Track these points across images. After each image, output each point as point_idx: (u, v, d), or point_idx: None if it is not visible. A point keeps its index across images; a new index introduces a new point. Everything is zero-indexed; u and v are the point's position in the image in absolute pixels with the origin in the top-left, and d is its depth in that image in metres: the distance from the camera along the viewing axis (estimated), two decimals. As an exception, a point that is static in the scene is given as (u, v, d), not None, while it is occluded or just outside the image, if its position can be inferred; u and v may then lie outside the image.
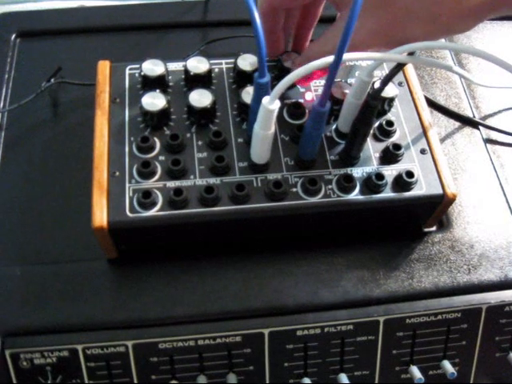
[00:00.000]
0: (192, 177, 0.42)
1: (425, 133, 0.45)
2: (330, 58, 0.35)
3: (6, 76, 0.54)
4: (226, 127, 0.44)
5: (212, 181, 0.42)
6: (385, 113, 0.46)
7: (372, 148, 0.44)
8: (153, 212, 0.40)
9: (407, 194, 0.42)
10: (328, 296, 0.43)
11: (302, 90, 0.47)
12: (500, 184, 0.50)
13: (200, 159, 0.43)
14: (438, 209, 0.44)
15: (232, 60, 0.47)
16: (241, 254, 0.44)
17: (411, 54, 0.38)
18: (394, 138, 0.45)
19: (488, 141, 0.53)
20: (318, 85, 0.47)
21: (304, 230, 0.45)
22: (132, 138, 0.43)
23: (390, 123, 0.45)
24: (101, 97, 0.45)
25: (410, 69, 0.48)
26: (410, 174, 0.42)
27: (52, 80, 0.53)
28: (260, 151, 0.41)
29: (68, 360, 0.41)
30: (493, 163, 0.51)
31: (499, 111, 0.55)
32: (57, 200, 0.47)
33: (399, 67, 0.38)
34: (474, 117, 0.54)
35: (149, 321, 0.42)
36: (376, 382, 0.45)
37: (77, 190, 0.47)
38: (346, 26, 0.33)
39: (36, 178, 0.48)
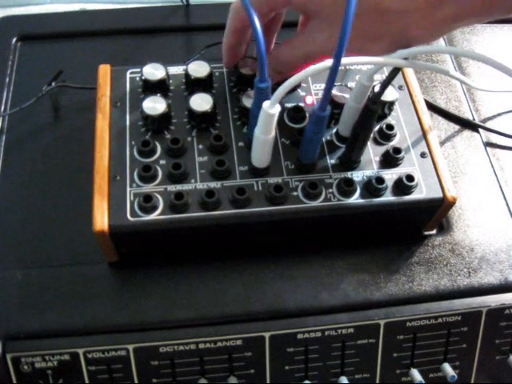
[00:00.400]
0: (193, 181, 0.42)
1: (425, 136, 0.45)
2: (330, 62, 0.35)
3: (7, 79, 0.54)
4: (227, 131, 0.44)
5: (213, 185, 0.42)
6: (385, 116, 0.46)
7: (372, 152, 0.44)
8: (154, 216, 0.40)
9: (407, 198, 0.42)
10: (328, 299, 0.43)
11: (302, 93, 0.47)
12: (500, 187, 0.50)
13: (201, 163, 0.43)
14: (438, 212, 0.44)
15: (233, 64, 0.47)
16: (241, 258, 0.44)
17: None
18: (394, 142, 0.45)
19: (488, 144, 0.53)
20: (319, 88, 0.47)
21: (304, 233, 0.45)
22: (133, 142, 0.43)
23: (390, 127, 0.45)
24: (102, 101, 0.45)
25: (410, 72, 0.48)
26: (410, 178, 0.42)
27: (53, 84, 0.53)
28: (260, 155, 0.41)
29: (69, 364, 0.41)
30: (493, 166, 0.51)
31: (499, 114, 0.55)
32: (57, 204, 0.47)
33: (396, 71, 0.38)
34: (474, 120, 0.54)
35: (150, 324, 0.42)
36: (376, 384, 0.45)
37: (77, 194, 0.47)
38: (341, 33, 0.33)
39: (37, 181, 0.48)
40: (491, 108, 0.55)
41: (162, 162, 0.42)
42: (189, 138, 0.44)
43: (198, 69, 0.45)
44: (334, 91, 0.45)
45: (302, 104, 0.45)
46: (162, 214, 0.40)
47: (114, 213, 0.40)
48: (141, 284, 0.43)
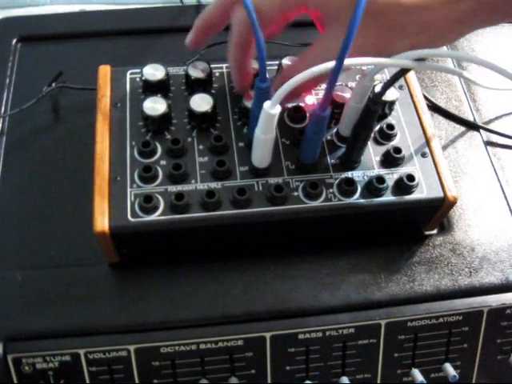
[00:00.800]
0: (193, 181, 0.42)
1: (425, 136, 0.45)
2: (332, 63, 0.35)
3: (7, 80, 0.54)
4: (227, 131, 0.44)
5: (213, 185, 0.42)
6: (385, 116, 0.46)
7: (373, 151, 0.44)
8: (154, 216, 0.40)
9: (408, 198, 0.42)
10: (329, 299, 0.43)
11: (302, 93, 0.47)
12: (501, 187, 0.50)
13: (201, 163, 0.43)
14: (438, 212, 0.44)
15: (232, 64, 0.47)
16: (242, 258, 0.44)
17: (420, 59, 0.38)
18: (395, 142, 0.45)
19: (488, 143, 0.53)
20: (319, 89, 0.47)
21: (305, 233, 0.45)
22: (133, 143, 0.43)
23: (390, 127, 0.45)
24: (102, 101, 0.45)
25: (410, 72, 0.48)
26: (410, 178, 0.42)
27: (53, 84, 0.53)
28: (261, 155, 0.41)
29: (70, 364, 0.41)
30: (493, 166, 0.51)
31: (500, 114, 0.55)
32: (58, 205, 0.47)
33: (402, 73, 0.38)
34: (475, 120, 0.54)
35: (151, 325, 0.42)
36: (378, 385, 0.45)
37: (78, 195, 0.47)
38: (347, 33, 0.33)
39: (37, 182, 0.48)
40: (492, 108, 0.55)
41: (163, 162, 0.42)
42: (189, 139, 0.44)
43: (198, 69, 0.45)
44: (335, 91, 0.45)
45: (302, 104, 0.45)
46: (162, 214, 0.40)
47: (115, 213, 0.40)
48: (141, 285, 0.43)
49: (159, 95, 0.44)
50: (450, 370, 0.45)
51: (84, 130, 0.50)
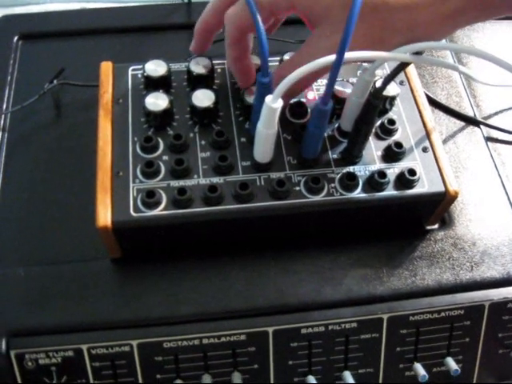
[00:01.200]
0: (195, 176, 0.42)
1: (426, 131, 0.45)
2: (333, 57, 0.35)
3: (9, 78, 0.54)
4: (229, 127, 0.44)
5: (215, 180, 0.42)
6: (386, 111, 0.46)
7: (374, 146, 0.44)
8: (157, 211, 0.40)
9: (409, 192, 0.43)
10: (332, 294, 0.43)
11: (303, 89, 0.47)
12: (501, 182, 0.50)
13: (203, 159, 0.43)
14: (440, 206, 0.44)
15: (234, 60, 0.47)
16: (244, 253, 0.44)
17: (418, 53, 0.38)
18: (396, 137, 0.45)
19: (489, 139, 0.53)
20: (320, 85, 0.47)
21: (307, 228, 0.45)
22: (135, 138, 0.43)
23: (391, 122, 0.45)
24: (104, 97, 0.45)
25: (411, 68, 0.49)
26: (412, 172, 0.42)
27: (55, 81, 0.53)
28: (263, 150, 0.41)
29: (73, 360, 0.41)
30: (494, 161, 0.51)
31: (500, 110, 0.55)
32: (60, 201, 0.47)
33: (402, 67, 0.38)
34: (475, 115, 0.54)
35: (153, 320, 0.42)
36: (380, 379, 0.45)
37: (80, 191, 0.47)
38: (346, 28, 0.33)
39: (39, 178, 0.48)
40: (492, 103, 0.56)
41: (165, 157, 0.43)
42: (191, 134, 0.44)
43: (200, 65, 0.46)
44: (336, 86, 0.45)
45: (303, 99, 0.46)
46: (165, 209, 0.40)
47: (117, 208, 0.40)
48: (144, 280, 0.43)
49: (161, 91, 0.44)
50: (451, 364, 0.45)
51: (85, 127, 0.50)
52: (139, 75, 0.46)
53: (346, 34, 0.34)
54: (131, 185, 0.41)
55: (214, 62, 0.46)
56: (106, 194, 0.41)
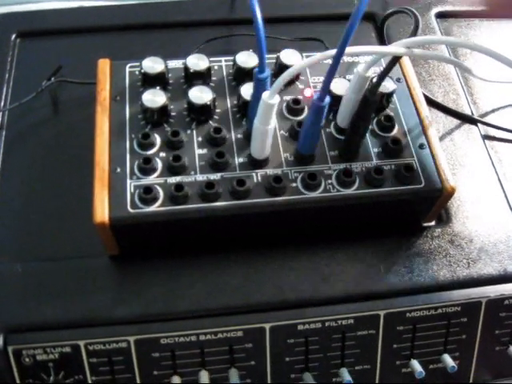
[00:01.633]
0: (192, 173, 0.42)
1: (423, 128, 0.45)
2: (332, 52, 0.35)
3: (7, 75, 0.54)
4: (226, 123, 0.44)
5: (212, 176, 0.42)
6: (383, 108, 0.46)
7: (371, 143, 0.45)
8: (154, 208, 0.40)
9: (406, 188, 0.43)
10: (328, 290, 0.43)
11: (301, 86, 0.47)
12: (498, 179, 0.50)
13: (200, 155, 0.43)
14: (437, 203, 0.44)
15: (231, 57, 0.47)
16: (241, 249, 0.44)
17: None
18: (393, 133, 0.45)
19: (486, 137, 0.53)
20: (317, 81, 0.47)
21: (304, 224, 0.45)
22: (133, 135, 0.43)
23: (388, 118, 0.45)
24: (101, 95, 0.45)
25: (407, 65, 0.49)
26: (408, 169, 0.42)
27: (52, 79, 0.53)
28: (260, 146, 0.41)
29: (70, 356, 0.41)
30: (491, 158, 0.52)
31: (497, 107, 0.55)
32: (58, 197, 0.47)
33: (394, 61, 0.38)
34: (472, 113, 0.54)
35: (150, 316, 0.42)
36: (377, 376, 0.45)
37: (78, 187, 0.47)
38: (350, 21, 0.33)
39: (37, 175, 0.48)
40: (489, 101, 0.56)
41: (162, 154, 0.43)
42: (188, 131, 0.44)
43: (197, 62, 0.46)
44: (334, 83, 0.45)
45: (300, 97, 0.46)
46: (162, 205, 0.40)
47: (115, 205, 0.40)
48: (141, 276, 0.43)
49: (158, 88, 0.44)
50: (448, 360, 0.45)
51: (83, 124, 0.50)
52: (137, 72, 0.46)
53: (349, 31, 0.34)
54: (128, 181, 0.41)
55: (211, 58, 0.46)
56: (103, 191, 0.41)
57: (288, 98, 0.46)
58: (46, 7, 0.61)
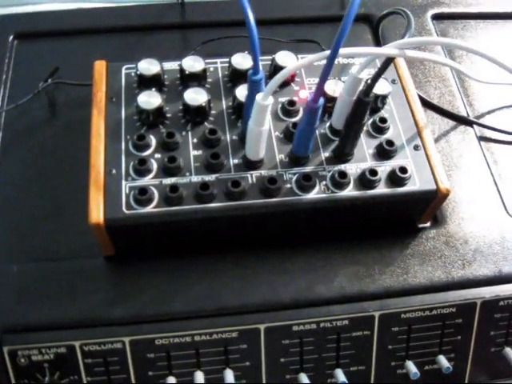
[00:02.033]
0: (187, 174, 0.42)
1: (418, 129, 0.46)
2: (326, 53, 0.35)
3: (4, 77, 0.54)
4: (221, 125, 0.45)
5: (207, 178, 0.42)
6: (378, 110, 0.46)
7: (366, 144, 0.45)
8: (149, 209, 0.40)
9: (401, 190, 0.43)
10: (323, 291, 0.43)
11: (296, 87, 0.47)
12: (494, 180, 0.50)
13: (195, 156, 0.43)
14: (431, 204, 0.44)
15: (227, 59, 0.47)
16: (237, 250, 0.44)
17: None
18: (388, 135, 0.45)
19: (482, 138, 0.53)
20: (312, 83, 0.47)
21: (299, 226, 0.45)
22: (128, 136, 0.43)
23: (383, 120, 0.45)
24: (97, 96, 0.45)
25: (403, 66, 0.49)
26: (403, 170, 0.43)
27: (49, 80, 0.53)
28: (254, 147, 0.41)
29: (65, 356, 0.41)
30: (486, 160, 0.52)
31: (493, 108, 0.55)
32: (54, 198, 0.47)
33: (388, 62, 0.38)
34: (468, 114, 0.54)
35: (145, 317, 0.42)
36: (372, 376, 0.45)
37: (73, 189, 0.47)
38: (343, 22, 0.33)
39: (33, 176, 0.49)
40: (485, 102, 0.56)
41: (157, 155, 0.43)
42: (183, 132, 0.44)
43: (193, 64, 0.46)
44: (328, 85, 0.45)
45: (295, 98, 0.46)
46: (157, 206, 0.41)
47: (110, 206, 0.40)
48: (137, 277, 0.43)
49: (154, 89, 0.44)
50: (443, 361, 0.45)
51: (80, 125, 0.50)
52: (133, 74, 0.47)
53: (342, 32, 0.34)
54: (124, 182, 0.41)
55: (206, 60, 0.47)
56: (98, 192, 0.41)
57: (283, 99, 0.46)
58: (43, 9, 0.61)
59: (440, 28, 0.61)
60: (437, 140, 0.52)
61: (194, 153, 0.43)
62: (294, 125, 0.43)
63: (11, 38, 0.57)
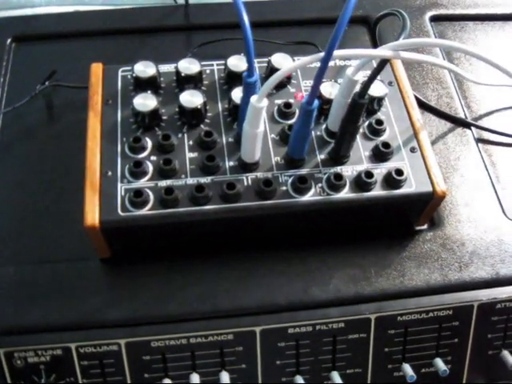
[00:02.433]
0: (183, 176, 0.42)
1: (415, 131, 0.46)
2: (320, 55, 0.35)
3: (2, 80, 0.54)
4: (217, 127, 0.45)
5: (203, 180, 0.42)
6: (375, 112, 0.46)
7: (362, 146, 0.45)
8: (144, 211, 0.40)
9: (397, 192, 0.43)
10: (319, 294, 0.43)
11: (292, 90, 0.47)
12: (491, 182, 0.50)
13: (191, 159, 0.43)
14: (428, 206, 0.44)
15: (223, 62, 0.47)
16: (232, 253, 0.44)
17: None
18: (384, 137, 0.45)
19: (479, 140, 0.53)
20: (308, 85, 0.47)
21: (294, 228, 0.45)
22: (124, 139, 0.44)
23: (379, 122, 0.45)
24: (93, 99, 0.45)
25: (399, 68, 0.49)
26: (399, 172, 0.42)
27: (46, 83, 0.53)
28: (250, 149, 0.41)
29: (61, 358, 0.41)
30: (484, 162, 0.52)
31: (491, 110, 0.55)
32: (50, 200, 0.47)
33: (382, 64, 0.38)
34: (466, 116, 0.54)
35: (141, 319, 0.42)
36: (368, 379, 0.45)
37: (70, 191, 0.47)
38: (338, 24, 0.33)
39: (30, 179, 0.49)
40: (483, 104, 0.56)
41: (153, 157, 0.43)
42: (179, 134, 0.44)
43: (189, 66, 0.46)
44: (324, 87, 0.45)
45: (291, 100, 0.46)
46: (152, 208, 0.41)
47: (105, 208, 0.40)
48: (132, 279, 0.43)
49: (150, 92, 0.45)
50: (440, 364, 0.45)
51: (77, 128, 0.50)
52: (129, 76, 0.47)
53: (336, 34, 0.34)
54: (119, 184, 0.42)
55: (202, 62, 0.47)
56: (94, 194, 0.41)
57: (279, 101, 0.46)
58: (40, 12, 0.61)
59: (438, 30, 0.61)
60: (434, 142, 0.52)
61: (189, 155, 0.43)
62: (290, 127, 0.43)
63: (9, 40, 0.57)
